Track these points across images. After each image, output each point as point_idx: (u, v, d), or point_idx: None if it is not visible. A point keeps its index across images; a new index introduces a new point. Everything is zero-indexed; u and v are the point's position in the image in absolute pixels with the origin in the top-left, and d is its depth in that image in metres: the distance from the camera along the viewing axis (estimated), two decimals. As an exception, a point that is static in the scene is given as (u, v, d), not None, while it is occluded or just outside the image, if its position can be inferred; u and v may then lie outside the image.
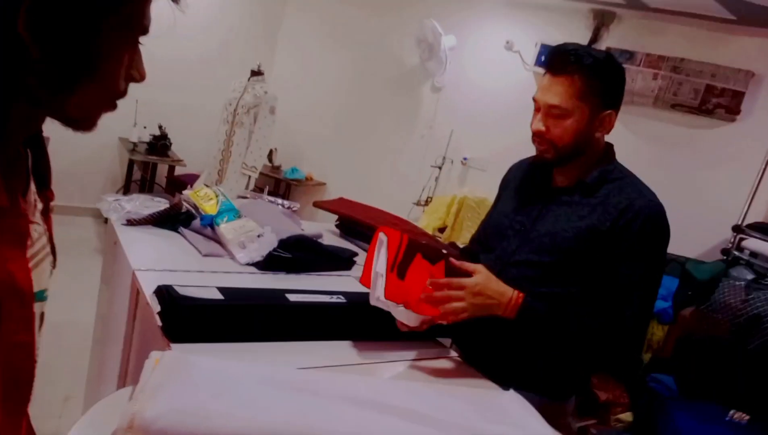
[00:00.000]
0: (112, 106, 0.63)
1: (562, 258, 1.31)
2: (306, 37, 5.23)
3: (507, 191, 1.54)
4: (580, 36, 3.70)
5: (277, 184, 5.10)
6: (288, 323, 1.20)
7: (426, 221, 3.97)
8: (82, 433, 0.94)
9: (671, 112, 3.40)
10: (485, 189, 4.03)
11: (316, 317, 1.24)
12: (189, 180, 4.44)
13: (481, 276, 1.24)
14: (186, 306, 1.08)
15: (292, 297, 1.27)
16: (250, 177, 4.18)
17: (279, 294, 1.27)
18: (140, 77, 0.64)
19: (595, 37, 3.66)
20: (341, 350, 1.22)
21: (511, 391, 1.08)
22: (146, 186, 4.74)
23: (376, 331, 1.29)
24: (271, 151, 4.84)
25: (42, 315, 0.72)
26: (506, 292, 1.25)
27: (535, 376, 1.35)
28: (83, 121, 0.63)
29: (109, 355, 1.65)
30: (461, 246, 3.47)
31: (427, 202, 4.30)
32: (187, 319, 1.08)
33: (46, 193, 0.71)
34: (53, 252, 0.74)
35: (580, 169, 1.35)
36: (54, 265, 0.75)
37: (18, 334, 0.60)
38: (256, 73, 4.08)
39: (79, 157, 4.32)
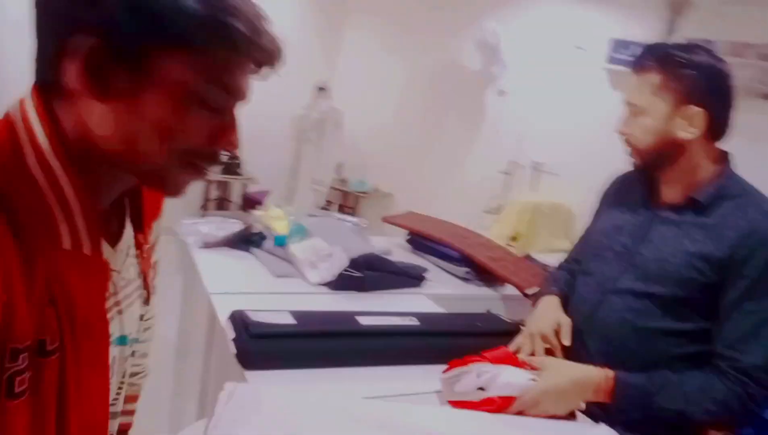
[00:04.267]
0: (190, 170, 0.61)
1: (674, 288, 1.15)
2: (368, 49, 5.27)
3: (608, 206, 1.40)
4: (655, 28, 3.50)
5: (345, 196, 5.15)
6: (361, 348, 1.17)
7: (497, 230, 3.86)
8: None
9: (764, 103, 3.13)
10: (559, 194, 3.88)
11: (390, 341, 1.21)
12: (261, 196, 4.58)
13: (550, 374, 1.06)
14: (259, 333, 1.08)
15: (363, 320, 1.25)
16: (319, 191, 4.25)
17: (350, 317, 1.25)
18: (230, 145, 0.63)
19: (671, 28, 3.45)
20: (417, 376, 1.18)
21: (603, 426, 1.00)
22: (222, 204, 4.92)
23: (452, 355, 1.25)
24: (338, 165, 4.90)
25: (129, 356, 0.74)
26: (588, 382, 1.09)
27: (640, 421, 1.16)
28: (160, 182, 0.62)
29: (190, 372, 1.70)
30: (537, 257, 3.36)
31: (497, 210, 4.19)
32: (260, 347, 1.08)
33: (139, 237, 0.73)
34: (147, 290, 0.76)
35: (690, 183, 1.19)
36: (147, 301, 0.77)
37: (93, 381, 0.61)
38: (321, 89, 4.15)
39: (160, 179, 4.55)
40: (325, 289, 1.61)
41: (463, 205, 4.39)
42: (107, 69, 0.53)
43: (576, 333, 1.28)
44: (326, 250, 1.70)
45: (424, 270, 1.81)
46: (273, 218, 1.87)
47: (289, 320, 1.18)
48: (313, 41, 5.26)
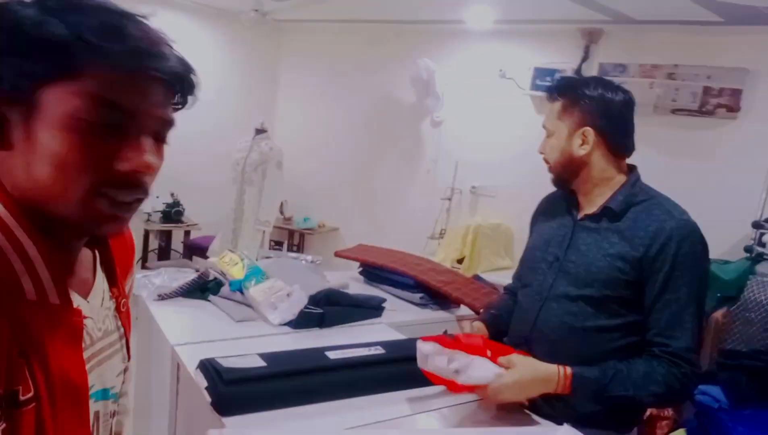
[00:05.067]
0: (103, 209, 0.59)
1: (602, 289, 1.29)
2: (304, 89, 5.35)
3: (537, 225, 1.55)
4: (572, 55, 3.77)
5: (291, 235, 5.14)
6: (333, 382, 1.20)
7: (443, 254, 3.97)
8: None
9: (673, 117, 3.43)
10: (498, 215, 4.04)
11: (360, 372, 1.25)
12: (205, 242, 4.50)
13: (515, 371, 1.18)
14: (233, 379, 1.09)
15: (332, 354, 1.28)
16: (264, 232, 4.22)
17: (319, 353, 1.28)
18: (143, 168, 0.60)
19: (587, 55, 3.73)
20: (387, 403, 1.22)
21: (566, 426, 1.07)
22: (163, 254, 4.78)
23: (418, 378, 1.29)
24: (281, 204, 4.90)
25: (113, 413, 0.73)
26: (550, 377, 1.20)
27: (596, 413, 1.28)
28: (74, 225, 0.61)
29: (155, 429, 1.65)
30: (483, 276, 3.47)
31: (441, 235, 4.31)
32: (235, 392, 1.09)
33: (114, 290, 0.72)
34: (127, 349, 0.75)
35: (602, 194, 1.36)
36: (128, 360, 0.76)
37: (72, 432, 0.60)
38: (260, 130, 4.17)
39: (96, 233, 4.39)
40: (287, 329, 1.62)
41: (409, 232, 4.49)
42: (12, 114, 0.54)
43: (521, 340, 1.41)
44: (285, 289, 1.72)
45: (383, 300, 1.86)
46: (227, 263, 1.87)
47: (260, 363, 1.19)
48: (249, 84, 5.30)
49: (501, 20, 3.86)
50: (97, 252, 0.70)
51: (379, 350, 1.33)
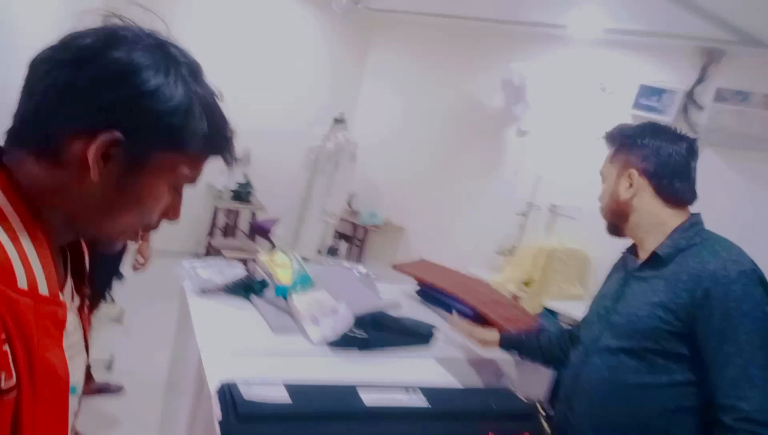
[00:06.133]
0: (136, 236, 0.68)
1: (642, 340, 1.18)
2: (388, 82, 5.22)
3: (607, 279, 1.46)
4: (685, 75, 3.39)
5: (355, 228, 5.05)
6: (363, 432, 1.05)
7: (510, 273, 3.72)
8: None
9: (797, 158, 3.00)
10: (576, 239, 3.74)
11: (396, 425, 1.08)
12: (270, 225, 4.49)
13: None
14: (249, 415, 0.96)
15: (366, 396, 1.12)
16: (328, 223, 4.14)
17: (352, 393, 1.12)
18: (175, 218, 0.70)
19: (703, 77, 3.34)
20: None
21: None
22: (229, 231, 4.83)
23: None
24: (350, 197, 4.81)
25: (77, 412, 0.72)
26: None
27: None
28: (105, 243, 0.68)
29: (181, 407, 1.56)
30: (551, 304, 3.20)
31: (511, 252, 4.06)
32: (248, 432, 0.96)
33: (82, 289, 0.74)
34: (87, 350, 0.75)
35: (655, 242, 1.26)
36: (87, 361, 0.76)
37: (51, 423, 0.60)
38: (339, 120, 4.08)
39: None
40: (325, 348, 1.48)
41: (476, 244, 4.27)
42: (115, 158, 0.59)
43: (564, 398, 1.35)
44: (330, 304, 1.59)
45: (434, 328, 1.68)
46: (277, 265, 1.76)
47: (284, 396, 1.06)
48: (334, 72, 5.23)
49: (609, 29, 3.54)
50: (68, 253, 0.72)
51: (421, 400, 1.16)
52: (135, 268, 2.63)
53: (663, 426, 1.16)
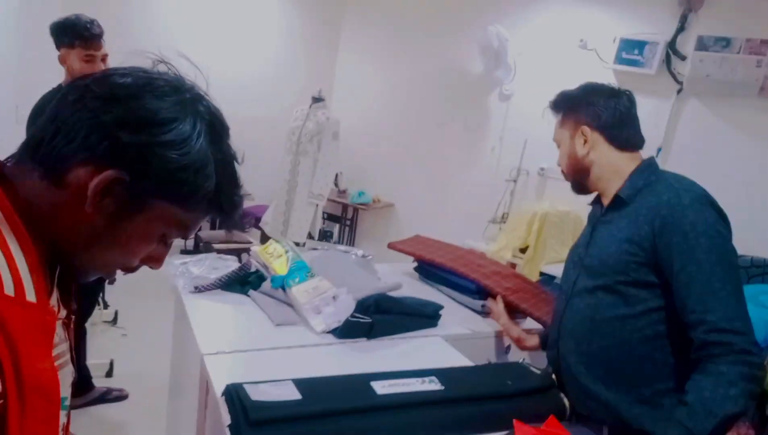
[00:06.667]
0: (112, 275, 0.70)
1: (615, 275, 1.28)
2: (365, 57, 5.11)
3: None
4: (665, 25, 3.34)
5: (345, 209, 4.99)
6: (379, 425, 1.01)
7: (504, 241, 3.70)
8: None
9: (782, 101, 2.98)
10: (568, 201, 3.71)
11: (411, 414, 1.05)
12: (259, 212, 4.41)
13: None
14: (259, 420, 0.92)
15: (379, 387, 1.09)
16: (318, 205, 4.08)
17: (364, 384, 1.09)
18: (156, 267, 0.71)
19: (683, 25, 3.29)
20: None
21: None
22: (217, 223, 4.74)
23: (481, 423, 1.09)
24: (336, 176, 4.73)
25: (64, 426, 0.70)
26: None
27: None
28: (80, 274, 0.68)
29: (185, 409, 1.53)
30: (548, 268, 3.18)
31: (503, 219, 4.03)
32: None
33: (69, 303, 0.73)
34: (73, 363, 0.74)
35: (616, 188, 1.36)
36: (74, 375, 0.74)
37: (39, 433, 0.59)
38: (317, 99, 3.98)
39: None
40: (330, 338, 1.44)
41: (468, 214, 4.24)
42: (115, 195, 0.60)
43: (552, 344, 1.45)
44: (330, 291, 1.54)
45: (439, 307, 1.64)
46: (271, 255, 1.71)
47: (294, 394, 1.02)
48: (308, 50, 5.10)
49: (586, -16, 3.47)
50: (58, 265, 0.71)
51: (435, 384, 1.13)
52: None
53: (645, 352, 1.26)
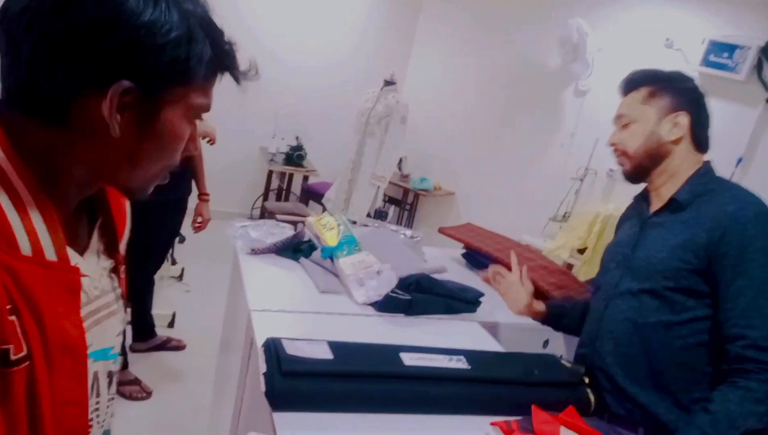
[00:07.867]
0: (165, 178, 0.67)
1: (663, 280, 1.24)
2: (441, 43, 5.10)
3: (618, 228, 1.51)
4: (759, 29, 3.14)
5: (406, 193, 5.04)
6: (403, 393, 1.07)
7: (563, 240, 3.64)
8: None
9: None
10: (634, 205, 3.60)
11: (435, 387, 1.10)
12: (323, 188, 4.55)
13: None
14: (291, 371, 1.00)
15: (407, 358, 1.14)
16: (379, 187, 4.15)
17: (393, 354, 1.14)
18: (196, 151, 0.68)
19: (780, 30, 3.08)
20: (463, 426, 1.06)
21: None
22: (282, 195, 4.92)
23: (503, 405, 1.12)
24: (400, 160, 4.78)
25: (110, 374, 0.71)
26: None
27: None
28: (139, 191, 0.65)
29: (228, 395, 1.64)
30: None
31: (564, 218, 3.96)
32: (291, 387, 0.99)
33: (115, 253, 0.72)
34: (126, 310, 0.75)
35: (673, 188, 1.31)
36: (125, 323, 0.75)
37: (69, 391, 0.60)
38: (389, 82, 4.03)
39: (227, 163, 4.61)
40: (370, 310, 1.51)
41: (529, 210, 4.18)
42: (130, 106, 0.57)
43: (588, 342, 1.40)
44: (375, 266, 1.61)
45: (480, 294, 1.67)
46: (324, 227, 1.79)
47: (327, 354, 1.09)
48: (385, 34, 5.15)
49: (677, -19, 3.31)
50: (99, 214, 0.71)
51: (462, 363, 1.17)
52: (195, 229, 2.75)
53: (686, 360, 1.24)
